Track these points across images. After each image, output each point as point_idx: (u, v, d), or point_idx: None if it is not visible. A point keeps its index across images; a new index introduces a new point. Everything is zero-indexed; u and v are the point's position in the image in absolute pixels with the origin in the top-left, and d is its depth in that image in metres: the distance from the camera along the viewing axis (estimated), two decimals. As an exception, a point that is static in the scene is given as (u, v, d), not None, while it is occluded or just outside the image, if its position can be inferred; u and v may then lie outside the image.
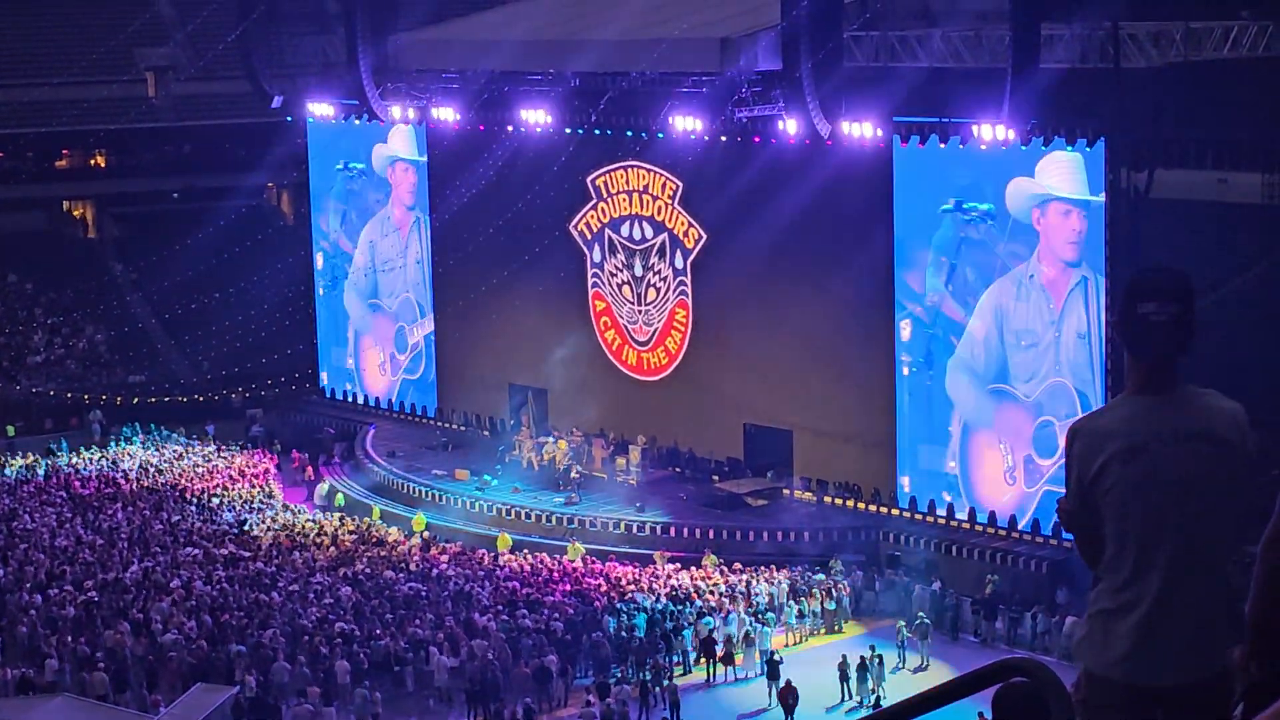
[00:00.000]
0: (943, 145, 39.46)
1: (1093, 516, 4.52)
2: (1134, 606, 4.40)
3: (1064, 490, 4.68)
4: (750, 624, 35.81)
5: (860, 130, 40.76)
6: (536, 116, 47.78)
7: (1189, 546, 4.40)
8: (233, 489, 47.46)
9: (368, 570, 39.42)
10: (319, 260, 56.56)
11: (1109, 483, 4.46)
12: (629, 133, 46.28)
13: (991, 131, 38.15)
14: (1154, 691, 4.36)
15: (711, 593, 37.78)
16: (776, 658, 34.22)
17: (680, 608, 36.69)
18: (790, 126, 41.92)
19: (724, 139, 43.91)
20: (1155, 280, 4.43)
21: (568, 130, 47.50)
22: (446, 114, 50.45)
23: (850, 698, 33.46)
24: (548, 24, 48.98)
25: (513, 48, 47.64)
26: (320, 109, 54.06)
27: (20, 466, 49.63)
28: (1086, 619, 4.54)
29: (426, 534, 43.76)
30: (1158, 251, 36.63)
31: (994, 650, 35.52)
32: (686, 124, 44.06)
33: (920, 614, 35.96)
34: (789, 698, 32.33)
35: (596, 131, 46.63)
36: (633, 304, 47.88)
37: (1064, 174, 38.12)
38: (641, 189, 47.19)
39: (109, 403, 56.13)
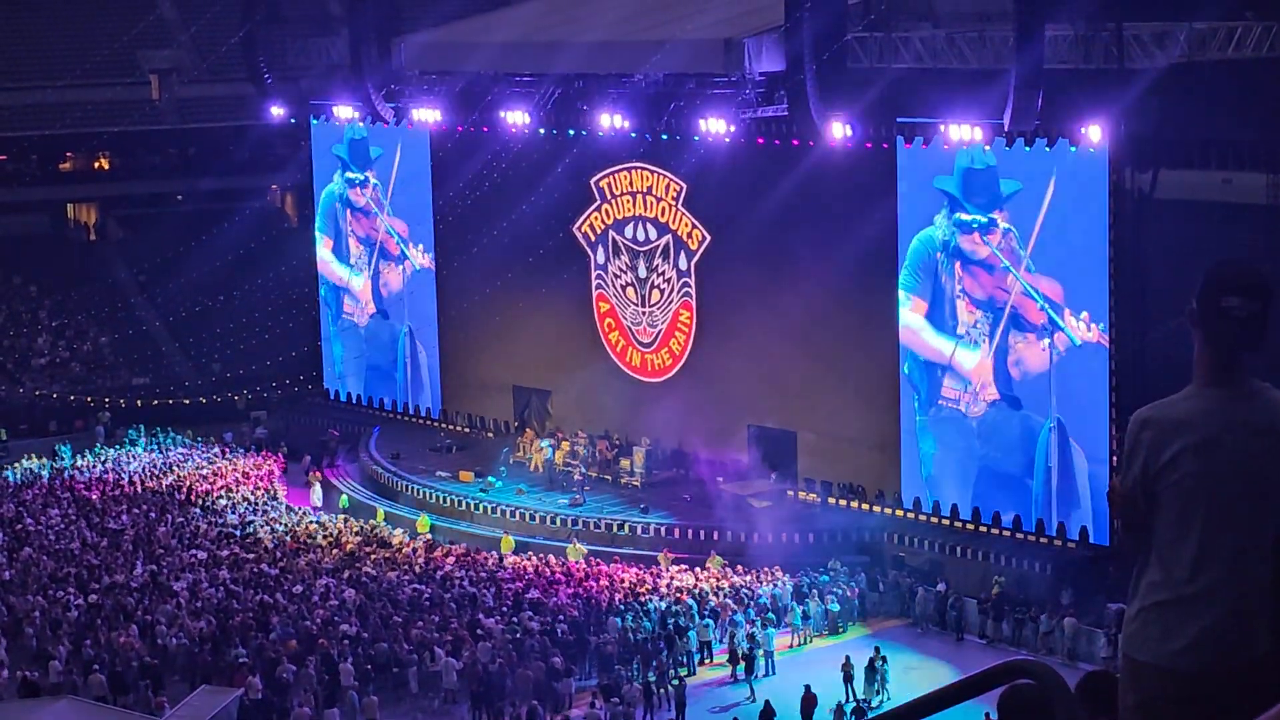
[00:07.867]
0: (946, 146, 39.44)
1: (1149, 504, 4.52)
2: (1199, 598, 4.40)
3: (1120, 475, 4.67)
4: (756, 625, 35.81)
5: (864, 131, 40.75)
6: (539, 118, 47.71)
7: (1256, 539, 4.41)
8: (237, 491, 47.48)
9: (372, 572, 39.43)
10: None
11: (1179, 474, 4.46)
12: (633, 134, 46.23)
13: (995, 132, 38.13)
14: (1217, 677, 4.35)
15: (716, 594, 37.79)
16: (742, 654, 34.57)
17: (684, 609, 36.68)
18: (794, 128, 41.90)
19: (728, 140, 43.86)
20: (1240, 275, 4.44)
21: (571, 132, 47.48)
22: (450, 116, 50.38)
23: (854, 699, 33.44)
24: (550, 25, 48.90)
25: (515, 50, 47.61)
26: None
27: (24, 469, 49.67)
28: (1138, 613, 4.49)
29: (430, 536, 43.78)
30: (1161, 253, 36.63)
31: (999, 651, 35.53)
32: (691, 125, 44.03)
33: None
34: (809, 705, 32.28)
35: (600, 133, 46.59)
36: (637, 305, 47.85)
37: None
38: (645, 190, 47.16)
39: (113, 405, 56.13)
